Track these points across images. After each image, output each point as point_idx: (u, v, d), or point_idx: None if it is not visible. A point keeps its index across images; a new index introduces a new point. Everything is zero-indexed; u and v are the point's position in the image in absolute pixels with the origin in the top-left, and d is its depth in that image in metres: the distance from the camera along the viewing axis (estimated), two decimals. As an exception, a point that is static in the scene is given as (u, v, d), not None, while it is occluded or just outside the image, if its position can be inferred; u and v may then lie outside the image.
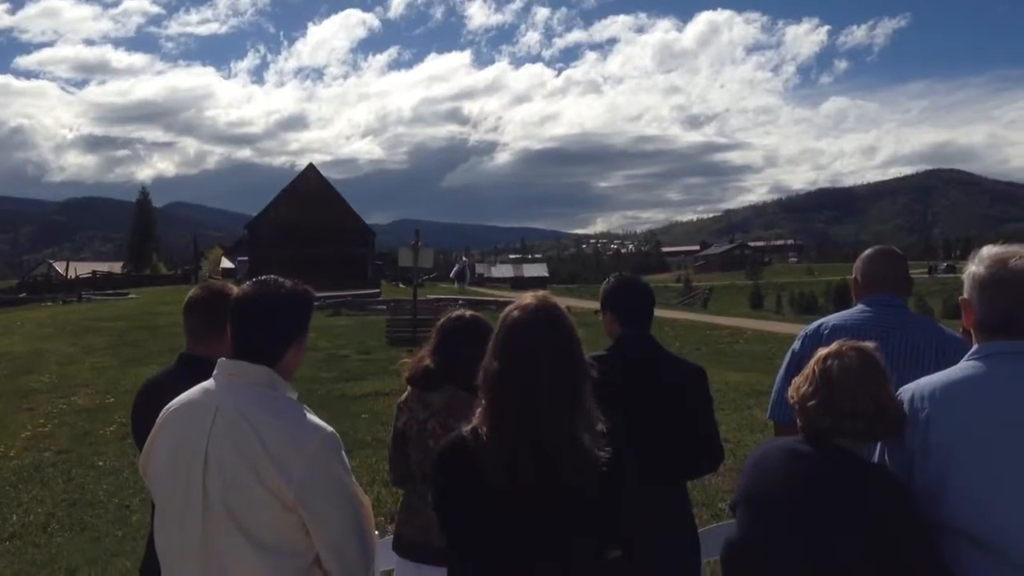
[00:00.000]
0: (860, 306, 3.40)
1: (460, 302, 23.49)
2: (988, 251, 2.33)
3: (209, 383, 2.39)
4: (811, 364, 2.37)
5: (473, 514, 2.16)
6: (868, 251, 3.57)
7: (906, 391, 2.35)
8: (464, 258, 64.97)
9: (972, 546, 2.16)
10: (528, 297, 2.25)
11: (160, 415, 2.45)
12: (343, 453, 2.36)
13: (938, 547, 2.18)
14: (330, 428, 2.34)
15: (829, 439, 2.26)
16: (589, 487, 2.11)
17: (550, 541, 2.10)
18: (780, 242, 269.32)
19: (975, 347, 2.33)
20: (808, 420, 2.31)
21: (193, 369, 2.63)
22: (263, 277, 2.47)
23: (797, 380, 2.39)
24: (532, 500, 2.09)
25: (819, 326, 3.42)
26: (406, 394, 3.45)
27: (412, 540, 3.33)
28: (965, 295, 2.36)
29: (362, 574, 2.39)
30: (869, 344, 2.37)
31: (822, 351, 2.37)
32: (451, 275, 48.73)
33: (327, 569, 2.32)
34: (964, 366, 2.31)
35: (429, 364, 3.35)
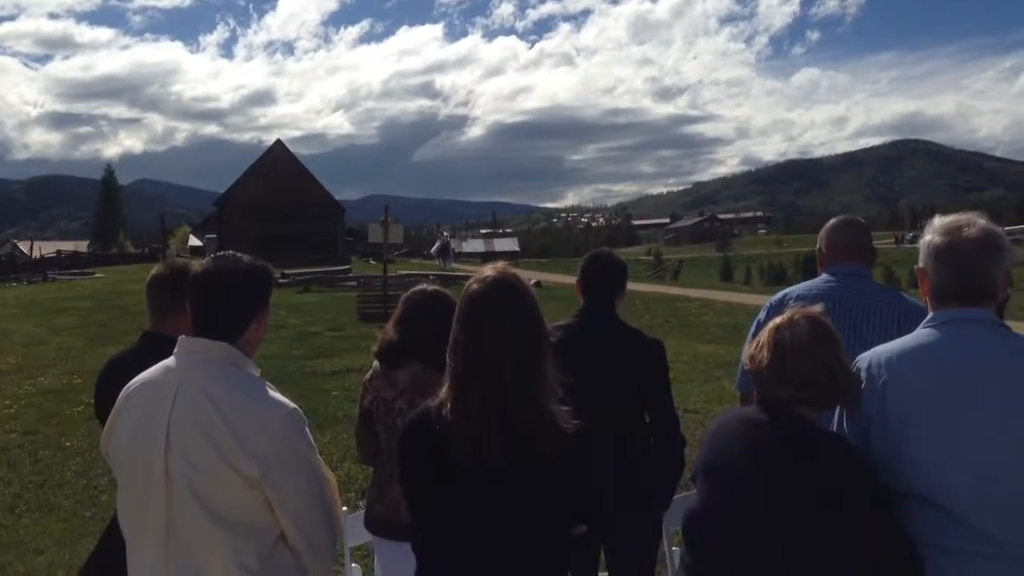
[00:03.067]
0: (824, 276, 3.43)
1: (431, 277, 23.39)
2: (942, 220, 2.37)
3: (170, 361, 2.37)
4: (764, 334, 2.39)
5: (439, 490, 2.16)
6: (832, 221, 3.59)
7: (863, 359, 2.38)
8: (445, 234, 63.36)
9: (929, 510, 2.20)
10: (488, 270, 2.25)
11: (121, 394, 2.43)
12: (307, 429, 2.35)
13: (895, 513, 2.22)
14: (293, 404, 2.33)
15: (785, 407, 2.28)
16: (556, 460, 2.11)
17: (516, 516, 2.11)
18: (749, 214, 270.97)
19: (930, 315, 2.36)
20: (764, 390, 2.34)
21: (156, 347, 2.60)
22: (221, 253, 2.45)
23: (751, 351, 2.42)
24: (498, 475, 2.09)
25: (784, 296, 3.45)
26: (370, 372, 3.45)
27: (383, 517, 3.34)
28: (920, 264, 2.39)
29: (328, 550, 2.40)
30: (818, 309, 2.40)
31: (774, 320, 2.40)
32: (432, 251, 47.92)
33: (293, 545, 2.31)
34: (919, 334, 2.34)
35: (392, 338, 3.35)
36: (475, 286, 2.20)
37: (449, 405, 2.14)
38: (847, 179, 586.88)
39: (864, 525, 2.16)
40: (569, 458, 2.14)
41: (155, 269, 3.24)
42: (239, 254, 2.44)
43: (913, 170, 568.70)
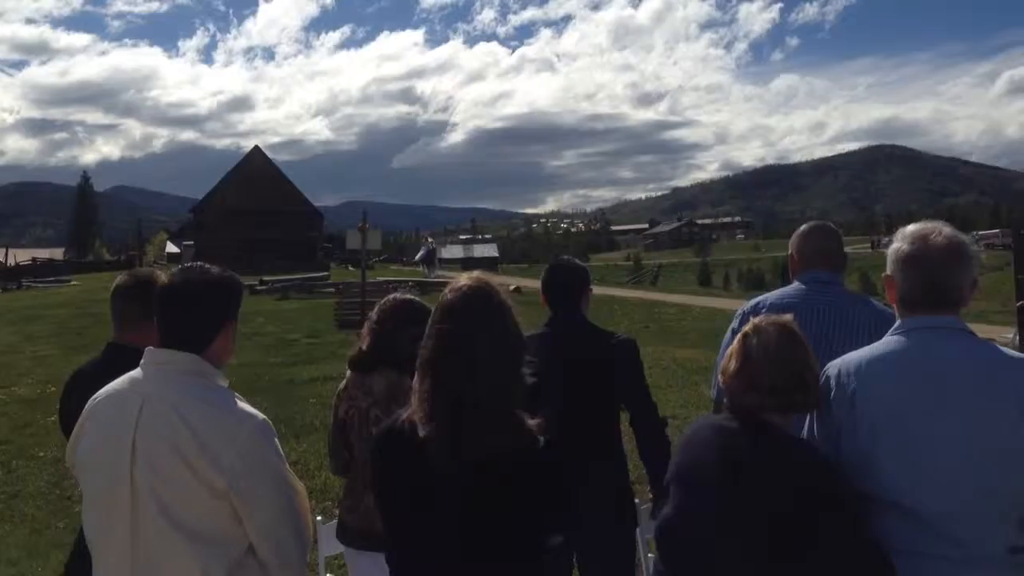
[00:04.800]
0: (796, 283, 3.44)
1: (409, 283, 23.19)
2: (910, 228, 2.39)
3: (136, 372, 2.35)
4: (735, 341, 2.41)
5: (412, 498, 2.15)
6: (803, 227, 3.61)
7: (832, 366, 2.40)
8: (430, 240, 62.24)
9: (899, 516, 2.22)
10: (463, 278, 2.25)
11: (87, 405, 2.40)
12: (275, 440, 2.33)
13: (864, 519, 2.24)
14: (262, 415, 2.31)
15: (755, 414, 2.30)
16: (530, 469, 2.11)
17: (491, 526, 2.10)
18: (728, 219, 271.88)
19: (898, 322, 2.38)
20: (733, 396, 2.36)
21: (121, 358, 2.58)
22: (189, 264, 2.44)
23: (724, 362, 2.44)
24: (472, 484, 2.08)
25: (757, 304, 3.46)
26: (344, 382, 3.44)
27: (355, 527, 3.32)
28: (888, 271, 2.41)
29: (297, 562, 2.37)
30: (787, 317, 2.42)
31: (744, 328, 2.42)
32: (416, 258, 47.49)
33: (261, 557, 2.29)
34: (887, 341, 2.36)
35: (363, 346, 3.35)
36: (450, 295, 2.20)
37: (423, 414, 2.14)
38: (824, 184, 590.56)
39: (835, 531, 2.17)
40: (543, 466, 2.13)
41: (119, 279, 3.19)
42: (207, 265, 2.44)
43: (889, 175, 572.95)
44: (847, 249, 3.67)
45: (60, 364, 14.02)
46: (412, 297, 3.46)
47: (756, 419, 2.29)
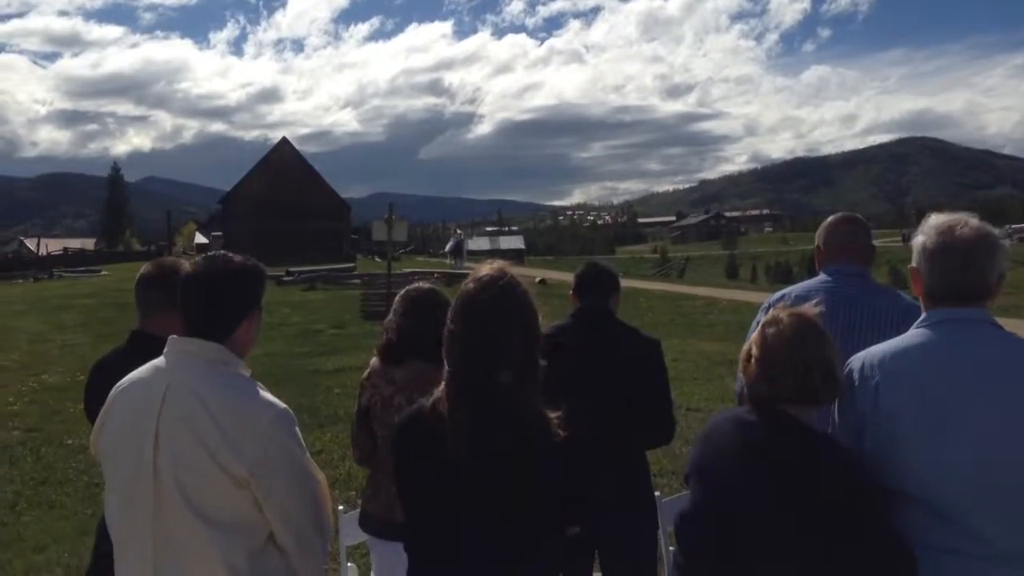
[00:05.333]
0: (822, 275, 3.40)
1: (435, 275, 23.23)
2: (935, 220, 2.36)
3: (160, 360, 2.36)
4: (755, 333, 2.39)
5: (431, 485, 2.16)
6: (831, 218, 3.56)
7: (856, 359, 2.37)
8: (459, 232, 61.89)
9: (922, 511, 2.20)
10: (484, 268, 2.25)
11: (111, 392, 2.42)
12: (297, 429, 2.34)
13: (888, 514, 2.21)
14: (283, 404, 2.32)
15: (773, 406, 2.27)
16: (549, 460, 2.11)
17: (509, 516, 2.10)
18: (756, 212, 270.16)
19: (923, 315, 2.35)
20: (752, 388, 2.33)
21: (144, 347, 2.60)
22: (213, 253, 2.45)
23: (743, 353, 2.42)
24: (491, 474, 2.09)
25: (782, 296, 3.42)
26: (368, 370, 3.45)
27: (377, 515, 3.34)
28: (913, 264, 2.38)
29: (317, 550, 2.39)
30: (806, 308, 2.39)
31: (764, 319, 2.39)
32: (446, 249, 47.52)
33: (282, 545, 2.31)
34: (912, 334, 2.33)
35: (393, 336, 3.36)
36: (471, 285, 2.21)
37: (443, 403, 2.14)
38: (854, 177, 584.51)
39: (858, 525, 2.14)
40: (562, 457, 2.13)
41: (144, 268, 3.23)
42: (230, 254, 2.44)
43: (919, 167, 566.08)
44: (877, 243, 3.61)
45: (89, 353, 14.15)
46: (434, 287, 3.47)
47: (776, 412, 2.27)
